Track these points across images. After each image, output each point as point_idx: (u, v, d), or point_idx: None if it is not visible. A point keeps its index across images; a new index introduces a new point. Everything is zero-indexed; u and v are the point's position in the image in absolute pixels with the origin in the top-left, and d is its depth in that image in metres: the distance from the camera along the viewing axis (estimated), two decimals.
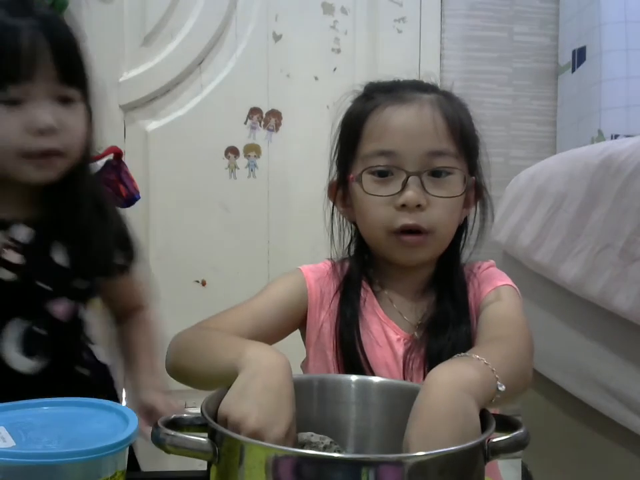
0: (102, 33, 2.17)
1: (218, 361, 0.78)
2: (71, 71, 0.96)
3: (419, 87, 0.98)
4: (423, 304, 0.98)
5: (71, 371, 1.05)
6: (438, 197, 0.92)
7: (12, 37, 0.92)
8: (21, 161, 0.94)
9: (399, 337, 0.96)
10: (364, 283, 0.99)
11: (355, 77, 2.26)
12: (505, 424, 0.68)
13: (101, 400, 0.69)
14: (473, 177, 0.98)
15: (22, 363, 0.98)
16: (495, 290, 0.96)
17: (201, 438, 0.63)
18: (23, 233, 0.98)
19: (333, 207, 1.03)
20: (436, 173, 0.93)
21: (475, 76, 2.42)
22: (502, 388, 0.70)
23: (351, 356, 0.93)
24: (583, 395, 1.45)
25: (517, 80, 2.46)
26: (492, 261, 1.03)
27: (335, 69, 2.32)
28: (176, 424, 0.65)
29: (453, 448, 0.61)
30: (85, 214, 1.01)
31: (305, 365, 1.01)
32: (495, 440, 0.64)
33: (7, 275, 0.96)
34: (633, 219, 1.24)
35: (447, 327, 0.93)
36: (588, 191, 1.42)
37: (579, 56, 2.21)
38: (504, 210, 1.95)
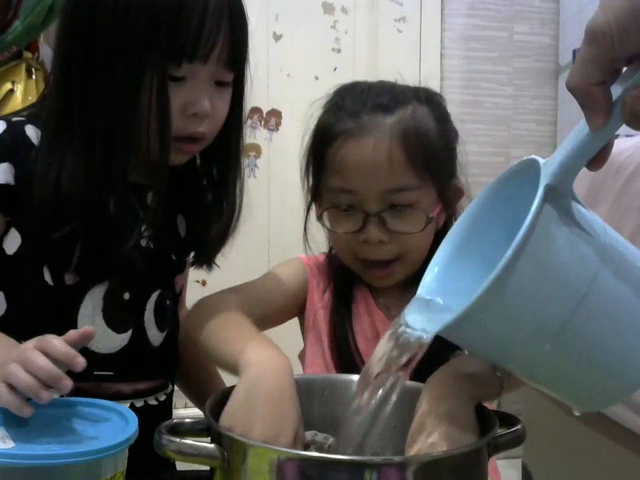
0: None
1: (221, 350, 0.78)
2: (238, 56, 0.89)
3: (383, 106, 0.92)
4: (408, 298, 0.98)
5: (176, 346, 1.01)
6: (399, 232, 0.91)
7: (200, 7, 0.81)
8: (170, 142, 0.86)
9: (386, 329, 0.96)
10: (357, 277, 1.00)
11: (355, 77, 2.26)
12: (503, 420, 0.68)
13: (101, 400, 0.69)
14: (439, 205, 0.94)
15: (155, 336, 0.94)
16: None
17: (207, 444, 0.63)
18: (154, 200, 0.92)
19: (308, 207, 1.02)
20: (397, 207, 0.91)
21: (475, 75, 2.42)
22: (499, 373, 0.72)
23: (344, 350, 0.95)
24: None
25: (517, 79, 2.46)
26: None
27: (335, 69, 2.32)
28: (176, 429, 0.65)
29: (457, 449, 0.62)
30: (210, 197, 0.97)
31: (302, 355, 1.02)
32: (495, 436, 0.65)
33: (144, 242, 0.92)
34: (633, 218, 1.24)
35: None
36: (588, 190, 1.42)
37: None
38: None
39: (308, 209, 1.02)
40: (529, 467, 1.85)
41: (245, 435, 0.64)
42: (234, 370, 0.71)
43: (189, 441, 0.62)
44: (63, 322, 0.86)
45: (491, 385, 0.73)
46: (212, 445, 0.62)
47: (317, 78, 2.29)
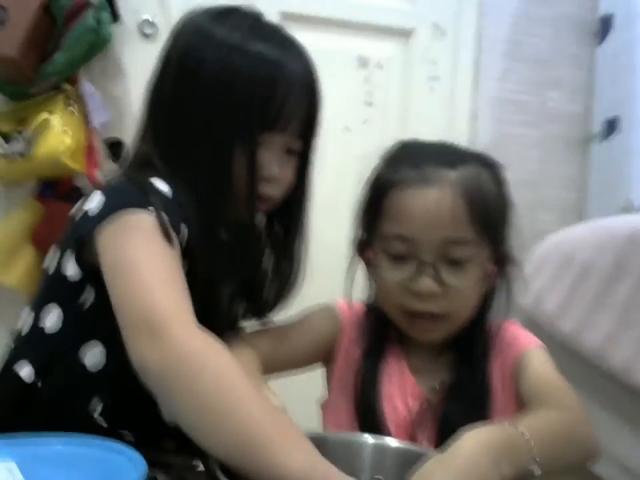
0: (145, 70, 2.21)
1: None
2: (310, 128, 0.96)
3: (446, 161, 0.93)
4: (441, 364, 0.97)
5: None
6: (452, 286, 0.90)
7: (286, 81, 0.89)
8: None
9: (414, 396, 0.94)
10: (392, 335, 0.99)
11: (385, 130, 2.28)
12: None
13: (112, 442, 0.69)
14: (495, 265, 0.94)
15: None
16: (528, 352, 0.94)
17: None
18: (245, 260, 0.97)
19: (353, 258, 1.01)
20: (453, 261, 0.90)
21: (504, 138, 2.43)
22: (534, 462, 0.70)
23: (369, 412, 0.93)
24: (597, 470, 1.41)
25: (547, 145, 2.47)
26: (514, 320, 1.01)
27: (365, 121, 2.34)
28: None
29: None
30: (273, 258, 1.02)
31: (325, 404, 1.01)
32: None
33: None
34: None
35: (463, 395, 0.92)
36: (614, 264, 1.40)
37: (611, 125, 2.21)
38: (528, 274, 1.93)
39: (355, 259, 1.01)
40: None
41: None
42: None
43: None
44: None
45: (520, 459, 0.71)
46: None
47: (348, 129, 2.31)
